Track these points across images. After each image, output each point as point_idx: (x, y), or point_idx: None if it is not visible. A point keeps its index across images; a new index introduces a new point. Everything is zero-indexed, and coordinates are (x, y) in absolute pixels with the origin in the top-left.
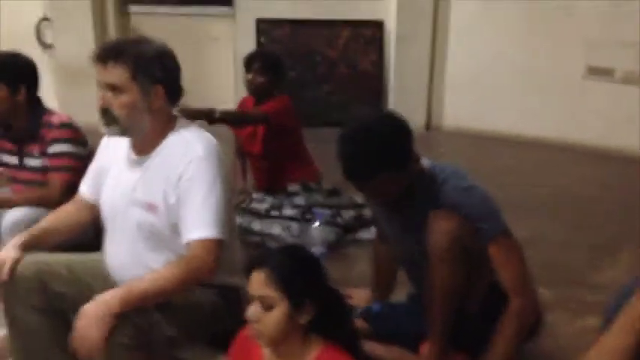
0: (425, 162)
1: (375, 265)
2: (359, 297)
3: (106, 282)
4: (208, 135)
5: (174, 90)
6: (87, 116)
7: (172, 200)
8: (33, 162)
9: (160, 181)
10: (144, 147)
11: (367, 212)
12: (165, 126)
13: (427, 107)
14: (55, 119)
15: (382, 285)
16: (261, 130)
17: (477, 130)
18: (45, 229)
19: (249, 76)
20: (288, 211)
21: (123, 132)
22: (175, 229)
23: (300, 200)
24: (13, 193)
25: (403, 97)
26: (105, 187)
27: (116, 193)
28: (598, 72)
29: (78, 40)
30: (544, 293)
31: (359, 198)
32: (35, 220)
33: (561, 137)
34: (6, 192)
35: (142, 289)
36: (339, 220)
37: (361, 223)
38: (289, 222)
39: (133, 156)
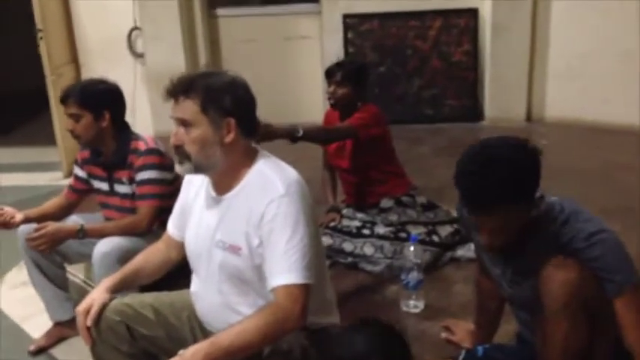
0: (545, 198)
1: (478, 302)
2: (461, 332)
3: (193, 323)
4: (290, 169)
5: (248, 122)
6: None
7: (256, 242)
8: (123, 188)
9: (241, 222)
10: (223, 184)
11: None
12: (243, 161)
13: (527, 98)
14: (141, 145)
15: (486, 324)
16: (349, 143)
17: (582, 121)
18: (135, 270)
19: (331, 89)
20: (380, 230)
21: (196, 169)
22: (260, 272)
23: (393, 216)
24: (105, 219)
25: (501, 89)
26: (188, 227)
27: (199, 234)
28: None
29: (168, 48)
30: None
31: (455, 211)
32: (125, 250)
33: None
34: (98, 217)
35: (227, 344)
36: (435, 238)
37: (460, 239)
38: (382, 241)
39: (213, 194)
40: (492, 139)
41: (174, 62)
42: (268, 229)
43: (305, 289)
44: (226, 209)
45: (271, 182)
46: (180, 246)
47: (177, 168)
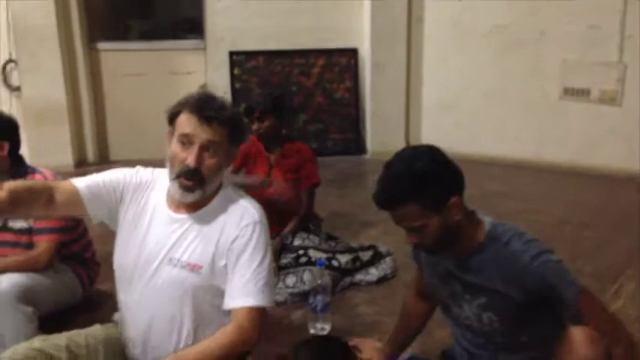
0: (486, 219)
1: (403, 322)
2: (369, 349)
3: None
4: (254, 201)
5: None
6: (57, 159)
7: (222, 263)
8: (18, 224)
9: (207, 242)
10: (188, 205)
11: (364, 255)
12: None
13: (405, 132)
14: (39, 178)
15: (402, 341)
16: (290, 179)
17: (456, 154)
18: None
19: (255, 126)
20: (282, 260)
21: (203, 195)
22: (212, 292)
23: (297, 241)
24: None
25: (380, 123)
26: (126, 239)
27: (142, 249)
28: (574, 92)
29: (46, 81)
30: None
31: (355, 244)
32: (25, 288)
33: (540, 158)
34: None
35: (192, 358)
36: (334, 263)
37: (360, 265)
38: (283, 272)
39: (171, 213)
40: (402, 152)
41: (53, 96)
42: (240, 250)
43: (263, 312)
44: (189, 228)
45: (245, 208)
46: (73, 201)
47: (183, 196)
